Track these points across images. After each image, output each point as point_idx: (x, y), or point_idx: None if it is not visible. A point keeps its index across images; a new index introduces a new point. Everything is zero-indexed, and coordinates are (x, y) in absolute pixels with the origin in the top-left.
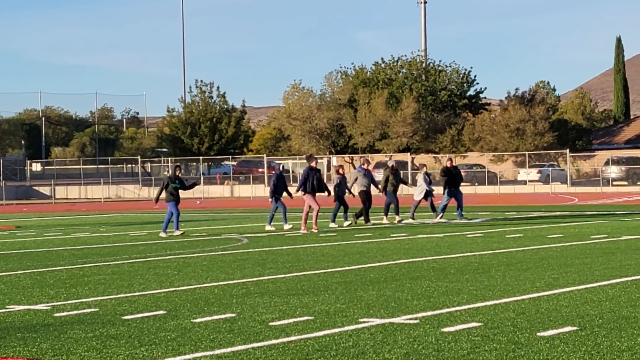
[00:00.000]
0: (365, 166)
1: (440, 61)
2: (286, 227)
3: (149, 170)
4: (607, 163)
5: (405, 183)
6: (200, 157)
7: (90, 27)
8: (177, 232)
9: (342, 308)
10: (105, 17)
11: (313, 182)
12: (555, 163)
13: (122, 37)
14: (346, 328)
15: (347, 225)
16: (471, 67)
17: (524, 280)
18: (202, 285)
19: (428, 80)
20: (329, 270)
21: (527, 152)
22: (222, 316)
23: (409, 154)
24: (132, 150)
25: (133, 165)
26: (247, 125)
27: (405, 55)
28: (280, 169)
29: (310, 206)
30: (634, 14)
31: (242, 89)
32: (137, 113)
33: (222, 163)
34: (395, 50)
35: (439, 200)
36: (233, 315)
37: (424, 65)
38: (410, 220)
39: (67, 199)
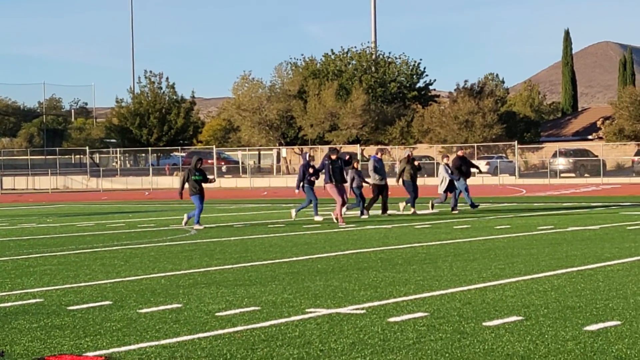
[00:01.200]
0: (379, 155)
1: (389, 53)
2: (293, 213)
3: (98, 161)
4: (554, 155)
5: (419, 169)
6: (149, 148)
7: (39, 17)
8: (198, 227)
9: (289, 298)
10: (54, 7)
11: (332, 173)
12: (504, 155)
13: (71, 28)
14: (293, 318)
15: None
16: (421, 59)
17: (471, 271)
18: (148, 276)
19: (378, 72)
20: (277, 260)
21: (475, 144)
22: (169, 306)
23: (358, 145)
24: (80, 141)
25: (81, 156)
26: (197, 116)
27: (355, 47)
28: (307, 158)
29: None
30: (582, 7)
31: (192, 80)
32: (86, 104)
33: (171, 154)
34: (345, 42)
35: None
36: (179, 305)
37: (373, 57)
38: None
39: (14, 189)
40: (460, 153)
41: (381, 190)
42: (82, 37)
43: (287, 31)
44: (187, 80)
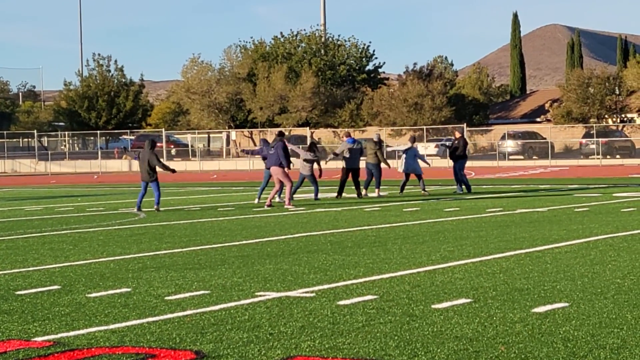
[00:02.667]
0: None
1: (339, 36)
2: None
3: (46, 145)
4: (503, 137)
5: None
6: (98, 132)
7: None
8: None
9: (239, 282)
10: None
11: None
12: (453, 137)
13: (18, 10)
14: (242, 302)
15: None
16: (370, 42)
17: (420, 254)
18: (97, 260)
19: (327, 54)
20: (227, 244)
21: (425, 127)
22: (118, 291)
23: (307, 128)
24: (28, 124)
25: (29, 140)
26: (146, 99)
27: (305, 30)
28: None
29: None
30: None
31: (141, 62)
32: (34, 87)
33: (120, 137)
34: (294, 25)
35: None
36: (128, 289)
37: (323, 39)
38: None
39: None
40: (458, 134)
41: (347, 172)
42: (30, 20)
43: (236, 13)
44: (136, 63)
